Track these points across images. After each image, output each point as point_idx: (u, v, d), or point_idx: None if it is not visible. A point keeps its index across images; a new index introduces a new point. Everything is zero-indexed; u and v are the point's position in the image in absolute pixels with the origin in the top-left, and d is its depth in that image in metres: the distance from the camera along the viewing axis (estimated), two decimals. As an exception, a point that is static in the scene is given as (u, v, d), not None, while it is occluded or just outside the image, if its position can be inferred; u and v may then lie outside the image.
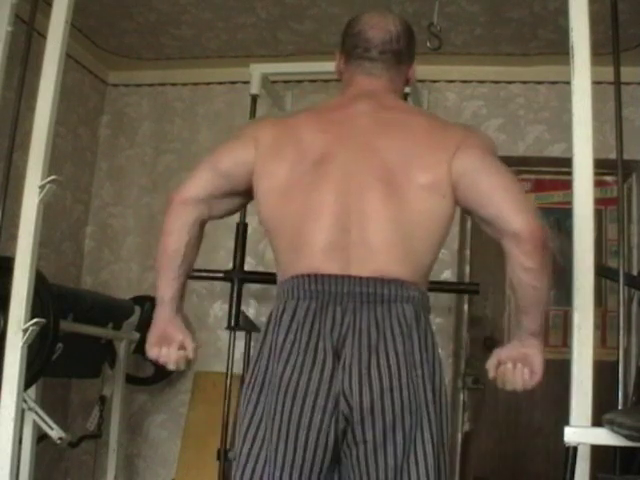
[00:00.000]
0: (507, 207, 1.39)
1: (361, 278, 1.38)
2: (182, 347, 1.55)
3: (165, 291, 1.55)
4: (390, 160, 1.44)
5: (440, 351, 3.61)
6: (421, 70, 3.22)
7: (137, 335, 3.34)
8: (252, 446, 1.39)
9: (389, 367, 1.34)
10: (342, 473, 1.39)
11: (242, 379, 3.10)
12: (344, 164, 1.44)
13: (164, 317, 1.56)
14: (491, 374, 1.50)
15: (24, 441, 2.59)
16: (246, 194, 1.57)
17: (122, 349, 3.24)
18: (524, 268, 1.39)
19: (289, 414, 1.34)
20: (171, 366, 1.55)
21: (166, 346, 1.54)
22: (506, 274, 1.46)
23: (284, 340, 1.38)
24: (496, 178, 1.44)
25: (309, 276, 1.40)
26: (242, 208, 1.62)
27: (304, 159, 1.46)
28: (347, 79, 1.63)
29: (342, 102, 1.59)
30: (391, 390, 1.33)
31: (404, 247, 1.41)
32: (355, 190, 1.42)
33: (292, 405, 1.34)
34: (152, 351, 1.56)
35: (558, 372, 3.31)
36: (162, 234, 1.55)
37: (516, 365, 1.50)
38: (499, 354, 1.51)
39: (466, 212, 1.50)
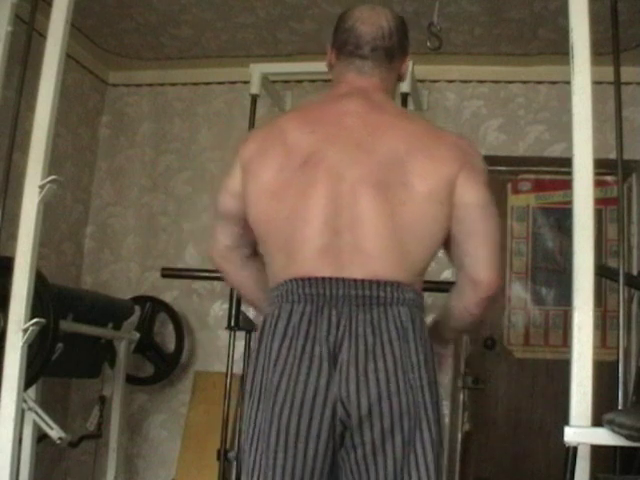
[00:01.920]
0: (481, 258, 1.45)
1: (356, 280, 1.36)
2: None
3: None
4: (381, 163, 1.41)
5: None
6: (421, 70, 3.26)
7: (137, 335, 3.34)
8: (256, 456, 1.37)
9: (386, 371, 1.33)
10: (340, 478, 1.39)
11: (242, 379, 3.11)
12: (334, 166, 1.41)
13: None
14: None
15: (24, 441, 2.59)
16: None
17: (122, 349, 3.24)
18: (469, 310, 1.51)
19: (287, 423, 1.32)
20: None
21: None
22: (449, 297, 1.58)
23: (280, 347, 1.36)
24: (484, 225, 1.46)
25: (303, 280, 1.37)
26: None
27: (291, 161, 1.43)
28: (337, 75, 1.60)
29: (331, 100, 1.55)
30: (389, 396, 1.32)
31: (398, 250, 1.40)
32: (347, 193, 1.39)
33: (290, 414, 1.32)
34: None
35: (558, 372, 3.33)
36: (228, 282, 1.76)
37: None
38: None
39: None
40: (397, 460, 1.33)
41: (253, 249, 1.62)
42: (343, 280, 1.36)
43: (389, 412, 1.32)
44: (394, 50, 1.56)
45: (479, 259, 1.44)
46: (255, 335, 1.46)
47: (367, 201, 1.39)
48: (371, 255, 1.38)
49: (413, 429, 1.34)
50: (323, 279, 1.36)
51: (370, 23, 1.54)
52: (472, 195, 1.44)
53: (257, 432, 1.37)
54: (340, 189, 1.40)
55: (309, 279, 1.37)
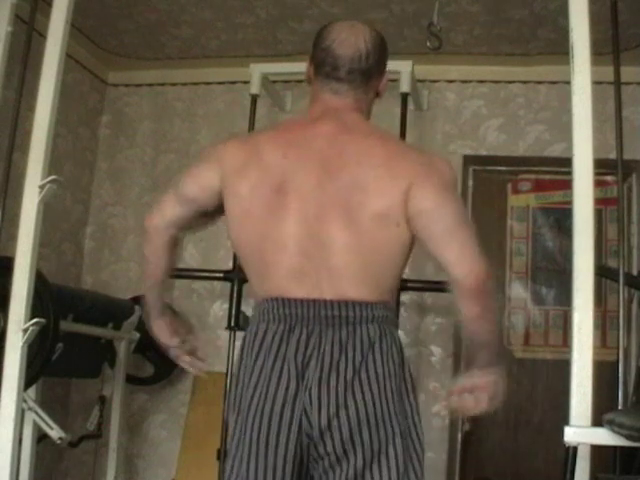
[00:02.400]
0: (451, 256, 1.44)
1: (326, 301, 1.41)
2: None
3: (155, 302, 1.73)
4: (345, 187, 1.44)
5: (440, 351, 3.59)
6: (421, 70, 3.26)
7: (137, 335, 3.34)
8: (233, 464, 1.44)
9: (345, 384, 1.38)
10: None
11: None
12: (303, 190, 1.45)
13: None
14: (453, 404, 1.51)
15: (24, 441, 2.59)
16: (219, 211, 1.59)
17: (122, 349, 3.24)
18: (466, 313, 1.47)
19: (257, 434, 1.39)
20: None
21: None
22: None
23: (254, 365, 1.44)
24: (446, 223, 1.45)
25: (277, 300, 1.44)
26: (219, 219, 1.68)
27: (265, 184, 1.47)
28: (314, 92, 1.61)
29: (305, 122, 1.57)
30: (346, 406, 1.37)
31: (366, 271, 1.44)
32: (314, 218, 1.43)
33: (260, 426, 1.39)
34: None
35: (558, 372, 3.32)
36: (145, 253, 1.70)
37: (476, 394, 1.50)
38: (464, 384, 1.51)
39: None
40: (357, 470, 1.37)
41: (187, 230, 1.69)
42: (314, 301, 1.42)
43: (347, 423, 1.36)
44: (371, 70, 1.56)
45: (450, 261, 1.44)
46: (237, 351, 1.52)
47: (334, 224, 1.43)
48: (340, 277, 1.43)
49: (376, 440, 1.37)
50: (295, 300, 1.42)
51: (348, 45, 1.53)
52: (425, 200, 1.44)
53: (235, 443, 1.44)
54: (309, 213, 1.44)
55: (282, 300, 1.43)
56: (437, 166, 1.50)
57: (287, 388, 1.38)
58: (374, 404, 1.37)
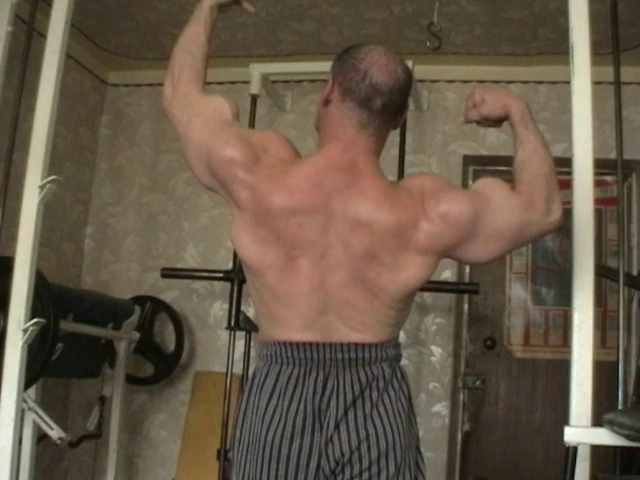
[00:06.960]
0: (532, 221, 1.50)
1: (342, 344, 1.40)
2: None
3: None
4: (358, 257, 1.38)
5: (440, 351, 3.58)
6: (421, 70, 3.26)
7: (137, 335, 3.34)
8: None
9: (364, 416, 1.38)
10: None
11: (242, 379, 3.11)
12: (316, 255, 1.39)
13: None
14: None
15: (24, 441, 2.59)
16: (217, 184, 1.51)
17: (122, 349, 3.24)
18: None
19: (275, 474, 1.38)
20: None
21: None
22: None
23: (267, 405, 1.41)
24: (496, 208, 1.52)
25: (291, 344, 1.41)
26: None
27: (278, 244, 1.40)
28: (333, 119, 1.47)
29: (319, 171, 1.41)
30: (367, 438, 1.37)
31: (381, 324, 1.43)
32: (328, 278, 1.39)
33: (277, 466, 1.38)
34: None
35: (558, 372, 3.32)
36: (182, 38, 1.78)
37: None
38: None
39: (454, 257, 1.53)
40: None
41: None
42: (330, 344, 1.40)
43: (367, 454, 1.37)
44: (403, 104, 1.48)
45: (532, 225, 1.48)
46: (245, 387, 1.49)
47: (348, 284, 1.39)
48: (355, 330, 1.41)
49: (393, 469, 1.38)
50: (310, 344, 1.40)
51: (387, 72, 1.41)
52: (453, 208, 1.41)
53: (247, 477, 1.42)
54: (322, 274, 1.39)
55: (297, 344, 1.41)
56: (436, 187, 1.44)
57: (304, 428, 1.37)
58: (393, 435, 1.39)
